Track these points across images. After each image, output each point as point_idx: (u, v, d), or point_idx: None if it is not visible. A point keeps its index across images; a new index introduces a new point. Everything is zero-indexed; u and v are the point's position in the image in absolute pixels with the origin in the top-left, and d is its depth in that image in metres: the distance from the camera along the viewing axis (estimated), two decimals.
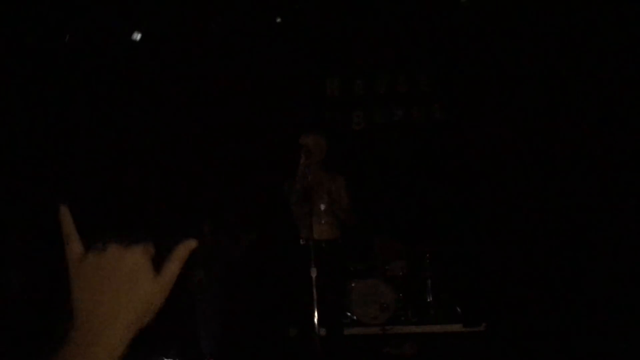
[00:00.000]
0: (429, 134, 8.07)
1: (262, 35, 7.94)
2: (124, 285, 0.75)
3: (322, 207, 4.63)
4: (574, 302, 6.69)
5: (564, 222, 6.99)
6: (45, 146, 7.31)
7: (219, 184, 7.55)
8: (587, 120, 7.16)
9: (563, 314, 6.71)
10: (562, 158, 7.21)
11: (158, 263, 0.81)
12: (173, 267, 0.81)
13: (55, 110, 7.44)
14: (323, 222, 4.66)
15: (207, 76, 7.91)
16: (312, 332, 4.25)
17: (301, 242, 4.62)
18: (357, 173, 7.59)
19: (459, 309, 6.95)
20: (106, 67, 7.72)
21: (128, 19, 7.61)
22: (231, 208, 7.36)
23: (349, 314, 6.98)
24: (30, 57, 7.18)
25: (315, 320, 4.21)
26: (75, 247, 0.78)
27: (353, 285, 7.00)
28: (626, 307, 6.10)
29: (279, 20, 7.88)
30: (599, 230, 6.82)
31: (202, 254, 6.47)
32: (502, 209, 7.29)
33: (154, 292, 0.78)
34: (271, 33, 7.95)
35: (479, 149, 7.63)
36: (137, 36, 7.78)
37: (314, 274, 4.22)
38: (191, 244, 0.84)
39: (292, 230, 4.87)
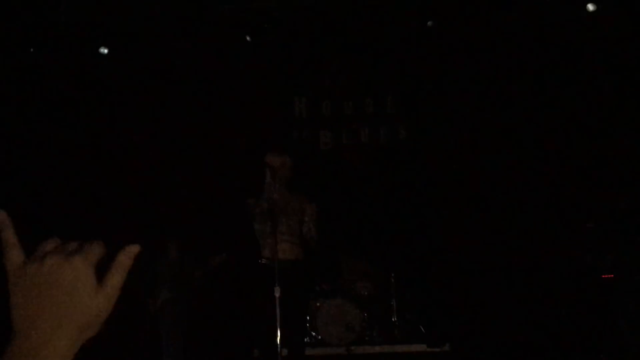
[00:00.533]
0: (394, 154, 8.14)
1: (231, 54, 7.96)
2: (63, 297, 0.71)
3: (286, 227, 4.61)
4: (539, 324, 6.76)
5: (530, 243, 7.09)
6: None
7: (184, 203, 7.49)
8: (553, 141, 7.33)
9: (528, 336, 6.77)
10: (526, 180, 7.34)
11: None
12: (116, 276, 0.76)
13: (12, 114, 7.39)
14: (287, 241, 4.64)
15: (175, 94, 7.88)
16: (274, 353, 4.22)
17: (263, 261, 4.58)
18: (324, 193, 7.61)
19: (422, 329, 6.96)
20: (74, 80, 7.67)
21: (96, 33, 7.58)
22: (196, 227, 7.30)
23: (314, 333, 6.94)
24: None
25: (278, 340, 4.18)
26: (14, 255, 0.74)
27: (318, 305, 6.97)
28: (592, 329, 6.18)
29: (248, 39, 7.91)
30: (564, 251, 6.93)
31: (167, 274, 6.39)
32: (467, 230, 7.36)
33: (96, 304, 0.74)
34: (241, 52, 7.98)
35: (444, 170, 7.72)
36: (104, 50, 7.74)
37: (277, 293, 4.19)
38: (133, 249, 0.78)
39: (255, 249, 4.84)
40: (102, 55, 7.74)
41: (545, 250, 7.00)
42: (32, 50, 7.57)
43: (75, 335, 0.73)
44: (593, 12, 7.28)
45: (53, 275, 0.72)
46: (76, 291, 0.73)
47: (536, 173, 7.33)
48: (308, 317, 6.77)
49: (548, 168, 7.34)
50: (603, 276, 5.86)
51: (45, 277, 0.72)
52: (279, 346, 4.18)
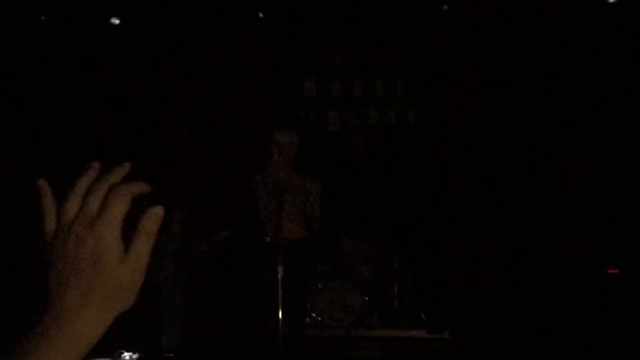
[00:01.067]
0: (402, 138, 8.07)
1: (243, 30, 7.88)
2: (88, 268, 0.69)
3: (291, 206, 4.58)
4: (539, 313, 6.74)
5: (534, 232, 7.05)
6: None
7: (189, 177, 7.48)
8: (562, 127, 7.26)
9: (528, 326, 6.76)
10: (534, 166, 7.28)
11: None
12: (142, 244, 0.73)
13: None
14: (292, 221, 4.60)
15: (184, 69, 7.81)
16: (274, 331, 4.20)
17: (267, 239, 4.54)
18: (330, 174, 7.56)
19: (423, 315, 6.94)
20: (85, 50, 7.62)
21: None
22: (200, 202, 7.29)
23: (314, 314, 6.93)
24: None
25: (280, 319, 4.16)
26: (50, 222, 0.73)
27: (319, 286, 6.96)
28: (591, 316, 6.16)
29: (261, 15, 7.83)
30: (566, 238, 6.89)
31: (169, 247, 6.38)
32: (472, 218, 7.32)
33: (123, 275, 0.71)
34: (252, 28, 7.89)
35: (451, 156, 7.66)
36: (116, 21, 7.67)
37: (280, 272, 4.17)
38: (157, 212, 0.74)
39: (259, 227, 4.80)
40: (114, 25, 7.67)
41: (549, 240, 6.96)
42: (43, 18, 7.49)
43: (104, 306, 0.71)
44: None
45: (79, 247, 0.70)
46: (101, 260, 0.70)
47: (544, 160, 7.26)
48: (309, 298, 6.77)
49: (557, 155, 7.26)
50: (609, 271, 5.83)
51: (72, 248, 0.70)
52: (280, 325, 4.16)
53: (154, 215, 0.75)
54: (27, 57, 7.51)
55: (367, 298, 6.98)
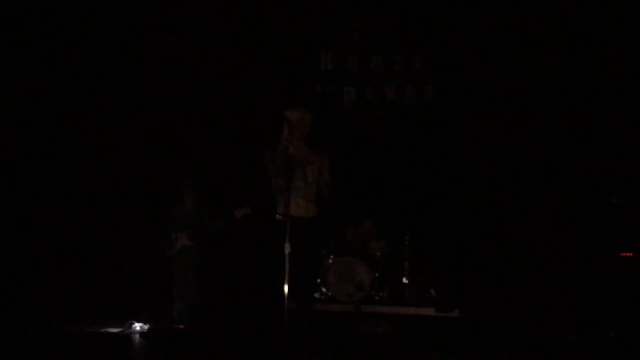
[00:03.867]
0: (420, 115, 7.98)
1: (259, 4, 7.79)
2: None
3: (302, 183, 4.55)
4: (549, 294, 6.72)
5: (545, 213, 6.98)
6: None
7: (202, 151, 7.50)
8: (578, 111, 7.13)
9: (537, 306, 6.74)
10: (551, 148, 7.17)
11: None
12: None
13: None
14: (302, 197, 4.57)
15: (200, 40, 7.77)
16: (281, 307, 4.21)
17: (277, 217, 4.53)
18: (344, 150, 7.53)
19: (433, 293, 6.94)
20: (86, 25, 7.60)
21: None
22: (214, 177, 7.32)
23: (324, 289, 6.96)
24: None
25: (285, 294, 4.17)
26: None
27: (330, 262, 6.98)
28: (598, 298, 6.13)
29: None
30: (577, 221, 6.83)
31: (183, 221, 6.41)
32: (487, 195, 7.25)
33: None
34: (269, 2, 7.80)
35: (468, 135, 7.56)
36: None
37: (287, 250, 4.16)
38: None
39: (271, 203, 4.79)
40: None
41: (561, 221, 6.90)
42: None
43: None
44: None
45: None
46: None
47: (564, 140, 7.13)
48: (320, 273, 6.79)
49: (576, 133, 7.12)
50: (622, 254, 5.77)
51: None
52: (286, 301, 4.17)
53: None
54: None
55: (377, 274, 6.99)
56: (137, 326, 6.14)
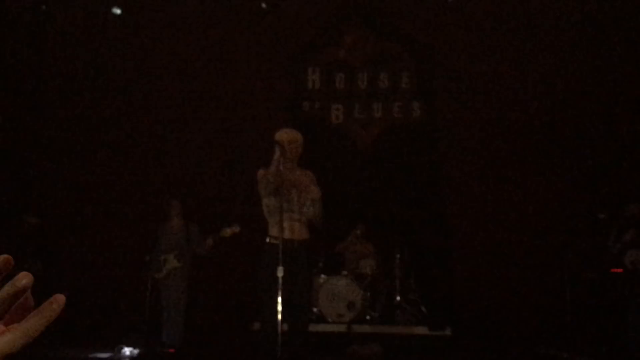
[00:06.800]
0: (407, 131, 8.01)
1: (246, 20, 7.80)
2: None
3: (296, 205, 4.52)
4: (541, 312, 6.71)
5: (537, 228, 7.00)
6: None
7: (191, 170, 7.45)
8: (567, 126, 7.18)
9: (530, 323, 6.73)
10: (541, 161, 7.21)
11: None
12: (30, 321, 0.64)
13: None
14: (296, 220, 4.54)
15: (187, 60, 7.75)
16: (274, 328, 4.16)
17: (269, 240, 4.49)
18: (332, 167, 7.51)
19: (425, 311, 6.91)
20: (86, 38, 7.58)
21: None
22: (203, 197, 7.26)
23: (315, 309, 6.91)
24: None
25: (279, 316, 4.12)
26: None
27: (321, 281, 6.93)
28: (597, 320, 6.14)
29: (263, 6, 7.75)
30: (569, 239, 6.85)
31: (171, 241, 6.34)
32: (475, 214, 7.27)
33: None
34: (256, 19, 7.81)
35: (455, 151, 7.59)
36: (117, 11, 7.61)
37: (280, 273, 4.12)
38: (59, 300, 0.66)
39: (262, 224, 4.75)
40: (115, 15, 7.61)
41: (552, 238, 6.92)
42: (44, 7, 7.44)
43: None
44: None
45: None
46: None
47: (548, 158, 7.19)
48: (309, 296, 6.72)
49: (562, 152, 7.18)
50: (612, 270, 5.79)
51: None
52: (279, 324, 4.13)
53: (57, 302, 0.66)
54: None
55: (368, 294, 6.95)
56: (127, 351, 6.04)
